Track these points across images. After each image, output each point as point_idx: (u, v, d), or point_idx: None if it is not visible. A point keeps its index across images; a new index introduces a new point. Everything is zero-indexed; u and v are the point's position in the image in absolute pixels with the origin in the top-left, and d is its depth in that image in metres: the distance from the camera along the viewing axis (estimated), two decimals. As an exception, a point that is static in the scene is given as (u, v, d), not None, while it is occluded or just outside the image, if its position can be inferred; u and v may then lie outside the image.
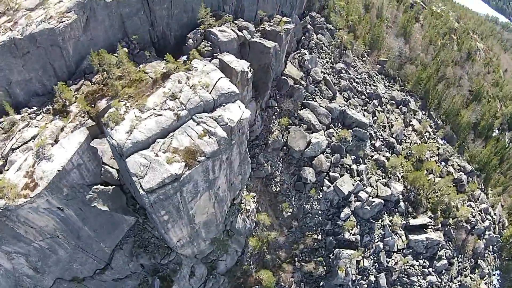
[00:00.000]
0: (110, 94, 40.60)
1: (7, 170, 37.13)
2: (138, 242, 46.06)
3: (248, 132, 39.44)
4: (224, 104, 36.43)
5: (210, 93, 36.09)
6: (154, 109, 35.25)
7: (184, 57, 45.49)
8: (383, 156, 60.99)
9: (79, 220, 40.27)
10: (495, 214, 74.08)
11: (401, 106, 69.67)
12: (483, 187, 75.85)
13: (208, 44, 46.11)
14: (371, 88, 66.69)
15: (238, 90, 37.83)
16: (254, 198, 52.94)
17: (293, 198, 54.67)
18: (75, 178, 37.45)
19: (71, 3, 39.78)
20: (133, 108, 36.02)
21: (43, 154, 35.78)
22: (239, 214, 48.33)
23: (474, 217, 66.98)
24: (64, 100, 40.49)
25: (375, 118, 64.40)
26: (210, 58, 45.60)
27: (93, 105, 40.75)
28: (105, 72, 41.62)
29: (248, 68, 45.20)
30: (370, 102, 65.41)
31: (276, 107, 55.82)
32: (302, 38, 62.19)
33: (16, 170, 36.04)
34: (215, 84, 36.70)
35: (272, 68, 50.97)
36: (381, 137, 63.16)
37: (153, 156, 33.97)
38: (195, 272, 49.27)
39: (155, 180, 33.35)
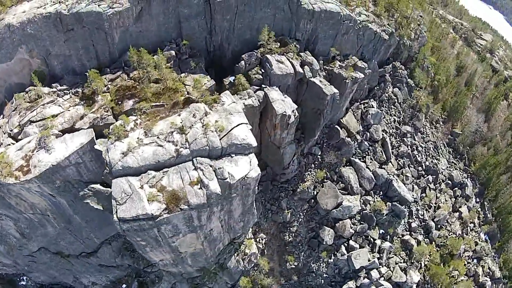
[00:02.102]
0: (139, 97, 33.37)
1: (20, 139, 32.54)
2: (126, 244, 39.63)
3: (256, 187, 30.24)
4: (233, 155, 27.54)
5: (220, 139, 27.41)
6: (158, 137, 27.40)
7: (231, 78, 36.76)
8: (415, 239, 48.26)
9: (70, 209, 34.44)
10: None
11: (457, 188, 55.11)
12: (504, 297, 59.96)
13: (261, 72, 36.73)
14: (432, 162, 52.72)
15: (256, 143, 28.60)
16: (262, 239, 43.85)
17: (303, 253, 44.47)
18: (71, 174, 31.29)
19: (127, -10, 32.57)
20: (141, 127, 28.36)
21: (44, 143, 30.23)
22: (235, 254, 39.71)
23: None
24: (95, 88, 34.08)
25: (424, 195, 51.05)
26: (257, 88, 36.36)
27: (119, 102, 33.88)
28: (144, 71, 34.38)
29: (292, 112, 35.37)
30: (425, 176, 51.90)
31: (318, 156, 44.90)
32: (376, 88, 49.70)
33: (18, 149, 31.02)
34: (230, 130, 27.96)
35: (325, 115, 40.28)
36: (422, 217, 49.97)
37: (137, 187, 26.51)
38: (175, 288, 42.10)
39: (130, 212, 26.20)
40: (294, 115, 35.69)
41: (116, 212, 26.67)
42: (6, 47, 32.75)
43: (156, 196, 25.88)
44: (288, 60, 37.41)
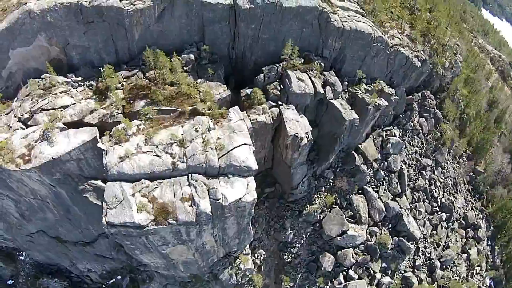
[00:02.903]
0: (151, 98, 31.36)
1: (30, 125, 31.22)
2: (122, 241, 38.11)
3: (252, 210, 27.92)
4: (231, 176, 25.25)
5: (219, 158, 25.16)
6: (157, 147, 25.43)
7: (248, 90, 34.22)
8: (417, 276, 44.73)
9: (69, 200, 33.07)
10: None
11: (469, 229, 51.04)
12: None
13: (279, 88, 34.01)
14: (448, 199, 48.75)
15: (257, 166, 26.14)
16: (261, 255, 41.40)
17: (300, 275, 41.72)
18: (72, 169, 29.79)
19: (151, -11, 30.51)
20: (142, 134, 26.37)
21: (48, 135, 28.82)
22: (229, 267, 37.47)
23: None
24: (109, 84, 32.29)
25: (434, 232, 47.15)
26: (273, 104, 33.68)
27: (131, 101, 32.00)
28: (160, 72, 32.35)
29: (306, 134, 32.50)
30: (439, 213, 47.91)
31: (330, 180, 41.77)
32: (401, 116, 45.92)
33: (22, 137, 29.67)
34: (231, 150, 25.68)
35: (341, 140, 37.22)
36: (428, 255, 46.34)
37: (129, 194, 24.80)
38: (166, 290, 40.29)
39: (118, 218, 24.64)
40: (308, 138, 32.88)
41: (106, 215, 25.16)
42: (25, 32, 31.30)
43: (146, 206, 24.14)
44: (310, 78, 34.48)
